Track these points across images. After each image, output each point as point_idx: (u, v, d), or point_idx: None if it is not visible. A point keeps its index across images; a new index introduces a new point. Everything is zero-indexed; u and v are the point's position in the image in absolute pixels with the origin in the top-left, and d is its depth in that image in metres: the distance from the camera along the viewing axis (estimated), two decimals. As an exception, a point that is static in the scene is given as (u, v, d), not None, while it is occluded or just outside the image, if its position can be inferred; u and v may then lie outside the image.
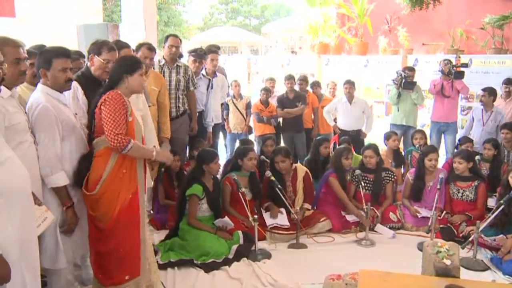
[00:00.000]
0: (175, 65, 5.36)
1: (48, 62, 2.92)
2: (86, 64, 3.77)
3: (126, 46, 4.11)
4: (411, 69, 7.04)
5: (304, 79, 7.58)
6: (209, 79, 6.08)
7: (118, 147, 2.84)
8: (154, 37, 8.39)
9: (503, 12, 7.79)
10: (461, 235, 4.51)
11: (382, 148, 6.62)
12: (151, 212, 5.08)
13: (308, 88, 7.71)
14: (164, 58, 5.40)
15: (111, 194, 2.92)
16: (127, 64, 3.08)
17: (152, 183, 4.78)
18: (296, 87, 7.40)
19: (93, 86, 3.53)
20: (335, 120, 7.19)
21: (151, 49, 4.88)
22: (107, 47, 3.58)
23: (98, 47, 3.59)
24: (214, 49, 6.44)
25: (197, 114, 5.88)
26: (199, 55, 5.96)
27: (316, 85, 7.99)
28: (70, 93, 3.25)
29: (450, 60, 6.86)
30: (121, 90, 3.00)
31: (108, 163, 2.94)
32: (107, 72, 3.56)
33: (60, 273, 3.12)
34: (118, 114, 2.87)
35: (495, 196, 4.95)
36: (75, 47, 6.30)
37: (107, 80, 3.25)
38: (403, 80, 6.76)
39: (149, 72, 4.90)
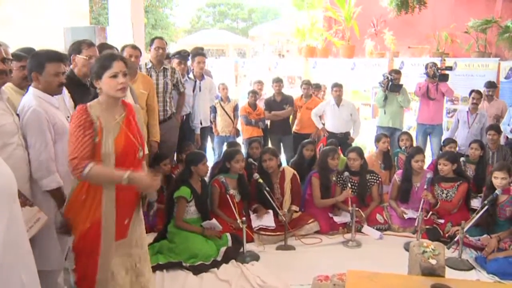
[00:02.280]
0: (162, 68, 5.36)
1: (40, 66, 2.90)
2: (70, 67, 3.75)
3: (109, 47, 4.11)
4: (398, 72, 7.11)
5: (308, 83, 7.59)
6: (195, 81, 6.09)
7: (73, 173, 2.52)
8: (142, 39, 8.36)
9: (486, 17, 7.92)
10: (446, 235, 4.57)
11: (371, 150, 6.69)
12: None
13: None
14: (151, 61, 5.39)
15: (72, 219, 2.67)
16: (94, 67, 2.65)
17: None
18: (301, 91, 7.42)
19: (78, 88, 3.53)
20: (323, 122, 7.23)
21: (135, 47, 4.87)
22: (86, 44, 3.58)
23: (77, 46, 3.59)
24: (200, 52, 6.44)
25: (184, 116, 5.89)
26: (183, 56, 5.98)
27: (317, 87, 7.98)
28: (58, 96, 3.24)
29: (435, 63, 6.95)
30: (101, 99, 2.65)
31: (70, 186, 2.71)
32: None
33: (52, 275, 3.10)
34: (76, 134, 2.51)
35: (480, 197, 5.03)
36: (62, 50, 6.26)
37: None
38: (390, 83, 6.82)
39: (137, 76, 4.90)
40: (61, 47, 6.48)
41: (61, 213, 2.86)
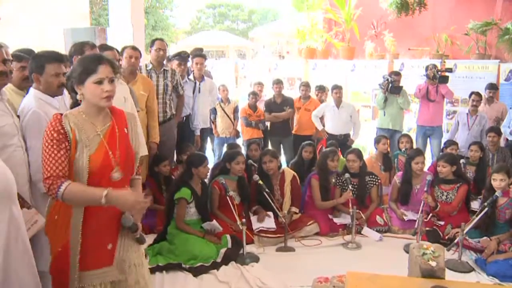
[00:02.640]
0: (162, 69, 5.37)
1: (41, 66, 2.91)
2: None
3: (110, 48, 4.11)
4: (397, 74, 7.11)
5: (306, 85, 7.60)
6: (195, 83, 6.10)
7: (48, 194, 2.21)
8: (142, 41, 8.38)
9: (486, 19, 7.92)
10: (446, 237, 4.58)
11: (370, 151, 6.69)
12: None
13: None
14: (151, 63, 5.40)
15: (49, 238, 2.37)
16: (77, 70, 2.26)
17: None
18: (299, 92, 7.45)
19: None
20: (323, 124, 7.23)
21: (135, 48, 4.88)
22: (88, 46, 3.59)
23: (80, 47, 3.60)
24: (198, 53, 6.45)
25: (184, 118, 5.89)
26: (183, 58, 5.98)
27: (321, 89, 7.96)
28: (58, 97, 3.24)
29: (435, 65, 6.95)
30: (82, 107, 2.32)
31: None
32: None
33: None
34: (49, 150, 2.20)
35: (480, 199, 5.04)
36: (62, 51, 6.26)
37: None
38: (390, 85, 6.82)
39: (137, 77, 4.91)
40: (61, 48, 6.49)
41: None
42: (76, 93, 2.29)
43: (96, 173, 2.26)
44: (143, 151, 4.45)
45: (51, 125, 2.23)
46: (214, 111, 7.44)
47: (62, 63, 3.00)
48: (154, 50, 5.36)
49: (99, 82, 2.22)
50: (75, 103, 2.38)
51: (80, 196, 2.19)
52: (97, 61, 2.25)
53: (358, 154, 5.31)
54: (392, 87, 6.82)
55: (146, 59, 5.99)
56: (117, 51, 4.54)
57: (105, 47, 4.10)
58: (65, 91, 3.31)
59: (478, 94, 6.74)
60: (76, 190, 2.18)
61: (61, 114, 2.26)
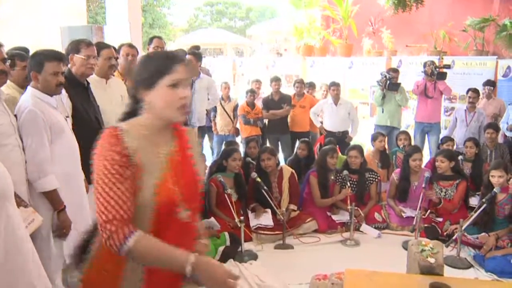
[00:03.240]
0: None
1: (39, 65, 2.89)
2: (68, 66, 3.74)
3: (107, 46, 4.08)
4: (395, 71, 7.11)
5: (301, 82, 7.61)
6: (193, 80, 6.08)
7: (109, 244, 1.58)
8: (139, 39, 8.33)
9: (484, 15, 7.92)
10: (445, 233, 4.59)
11: (368, 148, 6.69)
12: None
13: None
14: None
15: None
16: (142, 71, 1.71)
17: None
18: (294, 90, 7.44)
19: (76, 88, 3.52)
20: (321, 121, 7.23)
21: (131, 46, 4.87)
22: (84, 43, 3.56)
23: (76, 45, 3.57)
24: (191, 51, 6.41)
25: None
26: None
27: (311, 86, 8.01)
28: (56, 96, 3.22)
29: (433, 61, 6.95)
30: (144, 119, 1.75)
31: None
32: (90, 68, 3.54)
33: (50, 276, 3.08)
34: (108, 179, 1.60)
35: (478, 195, 5.04)
36: (59, 49, 6.24)
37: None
38: (388, 82, 6.82)
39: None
40: (58, 46, 6.47)
41: (57, 216, 2.85)
42: (137, 102, 1.75)
43: (162, 211, 1.66)
44: None
45: (107, 142, 1.63)
46: (214, 109, 7.43)
47: (61, 62, 2.98)
48: (152, 48, 5.34)
49: (174, 85, 1.67)
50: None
51: (155, 257, 1.60)
52: (173, 59, 1.70)
53: (360, 150, 5.31)
54: (390, 84, 6.81)
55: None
56: (114, 48, 4.53)
57: (102, 45, 4.07)
58: (63, 91, 3.31)
59: (475, 91, 6.73)
60: (151, 248, 1.59)
61: (116, 128, 1.68)
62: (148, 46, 5.48)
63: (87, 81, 3.67)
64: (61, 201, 2.94)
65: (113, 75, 4.18)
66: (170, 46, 18.00)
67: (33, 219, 2.62)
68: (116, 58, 4.48)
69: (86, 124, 3.55)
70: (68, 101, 3.40)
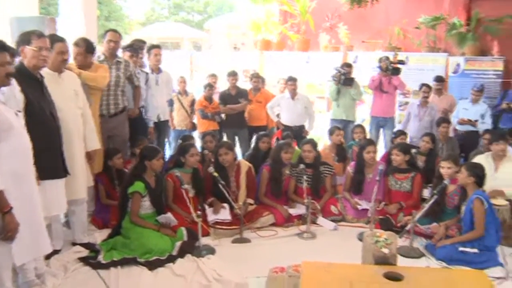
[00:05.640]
0: (115, 60, 5.23)
1: None
2: (20, 59, 3.59)
3: (60, 40, 3.95)
4: (349, 66, 7.23)
5: (258, 76, 7.60)
6: (147, 74, 6.00)
7: None
8: (94, 32, 8.11)
9: (435, 14, 8.15)
10: (399, 225, 4.69)
11: (325, 142, 6.77)
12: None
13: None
14: (103, 54, 5.25)
15: None
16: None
17: (93, 182, 4.65)
18: (250, 84, 7.42)
19: (29, 81, 3.40)
20: (278, 115, 7.26)
21: (114, 31, 4.82)
22: (35, 34, 3.44)
23: (26, 36, 3.45)
24: (156, 44, 6.34)
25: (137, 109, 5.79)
26: (135, 49, 5.87)
27: (258, 77, 8.01)
28: (7, 89, 3.08)
29: (388, 57, 7.09)
30: None
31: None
32: (43, 60, 3.42)
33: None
34: None
35: (430, 187, 5.18)
36: (9, 41, 6.00)
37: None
38: (342, 77, 6.91)
39: (93, 66, 4.78)
40: (7, 38, 6.21)
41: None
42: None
43: None
44: (95, 145, 4.34)
45: None
46: (171, 103, 7.35)
47: (5, 51, 2.86)
48: (106, 41, 5.23)
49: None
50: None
51: None
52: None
53: (313, 144, 5.35)
54: (345, 79, 6.91)
55: (99, 51, 5.79)
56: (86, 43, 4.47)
57: (55, 38, 3.93)
58: (14, 82, 3.16)
59: (428, 86, 6.94)
60: None
61: None
62: (103, 40, 5.36)
63: (41, 74, 3.54)
64: (7, 203, 2.76)
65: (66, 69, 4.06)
66: (127, 40, 17.64)
67: None
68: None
69: (41, 119, 3.45)
70: (21, 94, 3.28)
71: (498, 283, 3.61)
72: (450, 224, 4.36)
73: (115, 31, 5.35)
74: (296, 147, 5.90)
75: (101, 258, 3.92)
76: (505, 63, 7.51)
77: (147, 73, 6.01)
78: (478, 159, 5.22)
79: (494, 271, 3.78)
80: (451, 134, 6.82)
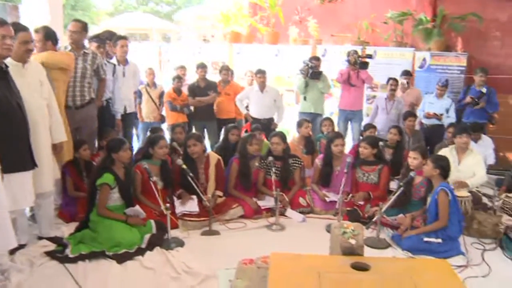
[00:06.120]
0: (82, 52, 5.12)
1: None
2: None
3: (23, 29, 3.83)
4: (317, 59, 7.27)
5: (227, 69, 7.58)
6: (114, 65, 5.91)
7: None
8: (60, 21, 7.90)
9: (403, 9, 8.28)
10: (366, 216, 4.77)
11: (293, 135, 6.81)
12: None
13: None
14: (70, 45, 5.14)
15: None
16: None
17: (60, 174, 4.56)
18: (219, 76, 7.42)
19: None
20: (247, 108, 7.26)
21: (76, 21, 4.80)
22: None
23: None
24: (122, 35, 6.25)
25: (105, 102, 5.70)
26: (102, 40, 5.76)
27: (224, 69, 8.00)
28: None
29: (356, 51, 7.17)
30: None
31: None
32: (7, 49, 3.33)
33: None
34: None
35: (397, 179, 5.29)
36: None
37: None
38: (310, 70, 6.95)
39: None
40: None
41: None
42: None
43: None
44: (62, 137, 4.25)
45: None
46: (139, 95, 7.27)
47: None
48: (68, 31, 5.11)
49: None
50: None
51: None
52: None
53: (282, 137, 5.38)
54: (312, 72, 6.95)
55: (65, 41, 5.67)
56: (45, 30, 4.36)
57: (18, 27, 3.80)
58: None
59: (395, 80, 7.06)
60: None
61: None
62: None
63: (5, 64, 3.44)
64: None
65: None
66: (94, 30, 17.28)
67: None
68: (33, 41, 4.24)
69: (6, 110, 3.36)
70: None
71: (460, 271, 3.72)
72: (416, 215, 4.46)
73: (77, 21, 5.20)
74: (265, 140, 5.91)
75: (68, 252, 3.85)
76: (468, 59, 7.69)
77: (114, 65, 5.91)
78: (442, 152, 5.37)
79: (456, 260, 3.90)
80: (417, 127, 6.96)
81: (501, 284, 3.62)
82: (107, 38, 5.99)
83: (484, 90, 6.74)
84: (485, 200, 5.33)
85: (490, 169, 6.26)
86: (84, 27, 5.16)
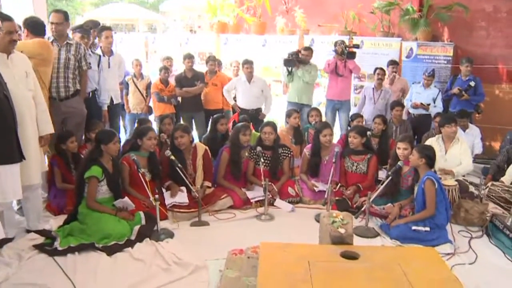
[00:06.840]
0: (65, 42, 5.05)
1: None
2: None
3: (8, 19, 3.76)
4: (308, 49, 7.26)
5: (214, 59, 7.55)
6: (99, 56, 5.83)
7: None
8: (43, 11, 7.78)
9: (389, -1, 8.28)
10: (354, 205, 4.81)
11: (282, 125, 6.81)
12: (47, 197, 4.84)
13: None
14: (53, 36, 5.05)
15: None
16: None
17: (47, 167, 4.51)
18: (206, 67, 7.40)
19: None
20: (234, 98, 7.24)
21: (56, 11, 4.66)
22: None
23: None
24: (107, 26, 6.18)
25: (90, 93, 5.63)
26: (85, 30, 5.69)
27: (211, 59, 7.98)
28: None
29: (343, 41, 7.17)
30: None
31: None
32: None
33: None
34: None
35: (385, 168, 5.33)
36: None
37: None
38: (293, 57, 6.97)
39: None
40: None
41: None
42: None
43: None
44: (49, 129, 4.20)
45: None
46: (126, 87, 7.21)
47: None
48: (49, 23, 5.03)
49: None
50: None
51: None
52: None
53: (274, 127, 5.37)
54: (290, 60, 6.97)
55: (49, 32, 5.58)
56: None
57: (3, 17, 3.74)
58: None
59: (382, 69, 7.08)
60: None
61: None
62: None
63: None
64: None
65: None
66: (79, 21, 17.08)
67: None
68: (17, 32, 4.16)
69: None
70: None
71: (447, 258, 3.77)
72: (404, 204, 4.50)
73: (58, 11, 5.09)
74: (253, 130, 5.91)
75: (57, 244, 3.82)
76: (454, 49, 7.74)
77: (99, 56, 5.85)
78: (429, 141, 5.42)
79: (444, 248, 3.96)
80: (404, 117, 7.00)
81: (487, 271, 3.68)
82: (91, 28, 5.91)
83: (472, 84, 6.77)
84: (471, 188, 5.39)
85: (476, 158, 6.33)
86: (65, 17, 5.05)
